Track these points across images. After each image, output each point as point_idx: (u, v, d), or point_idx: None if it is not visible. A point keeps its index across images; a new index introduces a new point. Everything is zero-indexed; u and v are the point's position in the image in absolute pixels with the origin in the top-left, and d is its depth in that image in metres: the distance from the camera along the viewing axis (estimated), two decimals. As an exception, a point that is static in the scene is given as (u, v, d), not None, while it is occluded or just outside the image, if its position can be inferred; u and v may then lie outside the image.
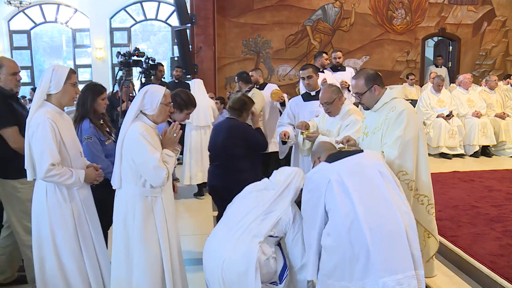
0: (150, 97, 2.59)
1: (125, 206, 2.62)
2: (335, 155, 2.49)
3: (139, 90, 5.29)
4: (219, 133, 3.60)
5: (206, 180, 5.22)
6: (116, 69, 11.97)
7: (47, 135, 2.49)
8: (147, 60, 5.72)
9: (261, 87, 5.74)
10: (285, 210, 2.67)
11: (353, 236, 2.16)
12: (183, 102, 3.31)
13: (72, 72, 2.66)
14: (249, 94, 4.78)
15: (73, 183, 2.58)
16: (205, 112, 5.66)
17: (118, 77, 5.84)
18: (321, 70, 5.56)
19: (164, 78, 6.77)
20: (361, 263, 2.13)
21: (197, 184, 5.76)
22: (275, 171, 2.94)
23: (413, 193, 2.72)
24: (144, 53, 5.34)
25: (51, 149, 2.49)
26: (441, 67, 9.90)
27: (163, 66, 6.58)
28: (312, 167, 2.81)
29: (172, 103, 2.90)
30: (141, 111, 2.63)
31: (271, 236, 2.64)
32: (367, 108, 2.85)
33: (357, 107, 3.63)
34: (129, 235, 2.61)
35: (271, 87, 5.73)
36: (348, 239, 2.17)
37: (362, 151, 2.53)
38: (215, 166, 3.59)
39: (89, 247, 2.68)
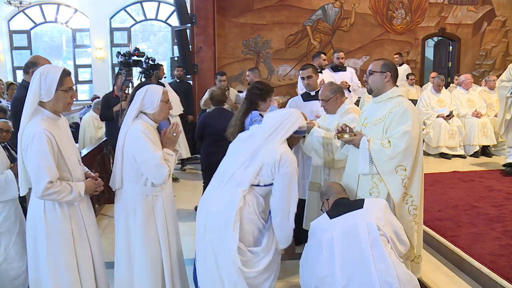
0: (151, 96, 2.61)
1: (126, 206, 2.63)
2: (338, 209, 2.60)
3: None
4: (224, 119, 3.85)
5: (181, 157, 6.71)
6: (116, 69, 12.01)
7: (43, 148, 2.22)
8: (147, 60, 5.72)
9: None
10: (269, 153, 2.42)
11: None
12: (263, 92, 3.52)
13: (65, 75, 2.35)
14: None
15: (73, 199, 2.34)
16: (178, 104, 6.50)
17: (116, 76, 5.86)
18: (318, 71, 5.57)
19: (165, 77, 6.80)
20: None
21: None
22: (266, 113, 2.85)
23: (403, 191, 2.73)
24: (144, 53, 5.35)
25: (49, 165, 2.23)
26: (400, 65, 9.67)
27: (162, 66, 6.60)
28: (321, 208, 2.86)
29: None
30: (141, 111, 2.64)
31: (257, 185, 2.45)
32: (370, 91, 2.88)
33: (357, 106, 3.66)
34: (131, 234, 2.62)
35: None
36: None
37: (362, 206, 2.54)
38: (220, 145, 3.54)
39: (88, 263, 2.49)
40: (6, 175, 2.72)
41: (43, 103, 2.34)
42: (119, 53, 5.30)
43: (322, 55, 6.03)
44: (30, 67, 3.21)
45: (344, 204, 2.64)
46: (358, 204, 2.60)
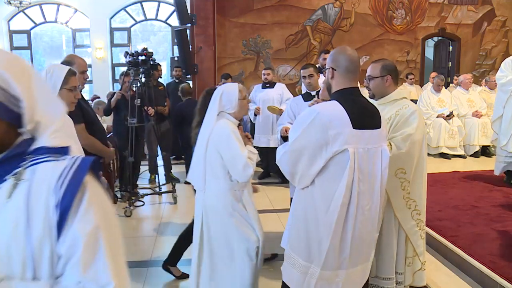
0: (228, 96, 2.65)
1: (214, 202, 2.67)
2: (358, 117, 2.03)
3: (138, 89, 5.33)
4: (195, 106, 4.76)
5: None
6: (116, 69, 12.02)
7: None
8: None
9: (271, 85, 6.27)
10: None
11: (338, 228, 2.03)
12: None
13: (70, 75, 2.40)
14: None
15: None
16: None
17: (123, 75, 5.87)
18: (322, 70, 5.54)
19: (161, 77, 6.82)
20: (335, 254, 2.04)
21: None
22: None
23: (404, 194, 2.69)
24: (152, 53, 5.37)
25: None
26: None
27: (161, 66, 6.63)
28: (320, 68, 2.54)
29: None
30: (221, 110, 2.67)
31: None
32: (372, 96, 2.85)
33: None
34: (227, 231, 2.66)
35: (280, 86, 6.37)
36: (333, 226, 2.01)
37: (380, 124, 2.15)
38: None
39: None
40: None
41: None
42: (127, 53, 5.35)
43: (322, 54, 6.00)
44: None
45: (365, 110, 2.11)
46: (376, 119, 2.14)
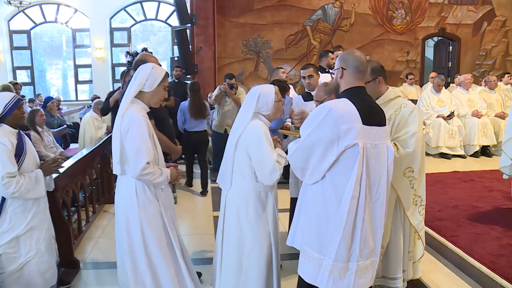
0: (265, 98, 2.64)
1: (237, 203, 2.65)
2: (367, 114, 2.09)
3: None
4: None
5: None
6: (116, 69, 12.01)
7: (143, 132, 2.46)
8: (147, 60, 5.74)
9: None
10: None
11: (349, 220, 2.07)
12: (282, 89, 3.94)
13: (166, 76, 2.65)
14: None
15: (162, 181, 2.56)
16: None
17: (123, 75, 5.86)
18: (327, 70, 5.45)
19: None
20: (346, 247, 2.08)
21: None
22: None
23: (413, 192, 2.72)
24: (151, 52, 5.36)
25: (148, 147, 2.46)
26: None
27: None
28: (330, 72, 2.65)
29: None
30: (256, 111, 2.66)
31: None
32: None
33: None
34: (242, 233, 2.63)
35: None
36: (344, 218, 2.05)
37: (385, 122, 2.21)
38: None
39: (176, 244, 2.65)
40: (36, 173, 2.77)
41: (141, 95, 2.59)
42: (127, 52, 5.36)
43: (330, 53, 5.89)
44: (140, 65, 3.32)
45: (372, 108, 2.17)
46: (381, 116, 2.21)
